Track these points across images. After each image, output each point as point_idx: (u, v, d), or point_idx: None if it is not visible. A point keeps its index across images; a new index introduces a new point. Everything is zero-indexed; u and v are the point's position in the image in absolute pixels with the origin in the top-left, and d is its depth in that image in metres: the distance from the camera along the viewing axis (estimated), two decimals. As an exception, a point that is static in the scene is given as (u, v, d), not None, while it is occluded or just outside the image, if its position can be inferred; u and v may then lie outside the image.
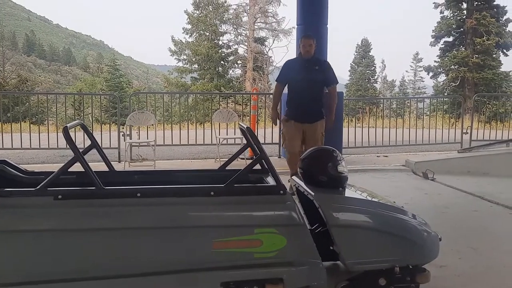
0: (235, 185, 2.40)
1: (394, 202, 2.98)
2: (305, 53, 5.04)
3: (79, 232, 2.24)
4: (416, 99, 20.39)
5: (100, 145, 3.15)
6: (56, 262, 2.21)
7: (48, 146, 8.13)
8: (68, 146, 2.34)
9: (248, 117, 8.89)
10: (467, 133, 9.19)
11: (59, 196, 2.23)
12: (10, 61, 46.99)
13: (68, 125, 2.46)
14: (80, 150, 2.39)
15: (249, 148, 2.89)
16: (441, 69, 34.34)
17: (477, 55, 32.28)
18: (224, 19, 35.33)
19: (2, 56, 41.21)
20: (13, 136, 8.36)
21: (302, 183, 2.80)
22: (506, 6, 32.43)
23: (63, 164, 2.35)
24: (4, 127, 9.32)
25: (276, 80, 5.42)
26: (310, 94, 5.06)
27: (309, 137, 5.07)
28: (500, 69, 32.94)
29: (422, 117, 13.79)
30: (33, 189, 2.25)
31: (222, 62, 35.32)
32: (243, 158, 7.13)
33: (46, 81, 63.01)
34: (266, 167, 2.59)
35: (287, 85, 5.29)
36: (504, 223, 4.54)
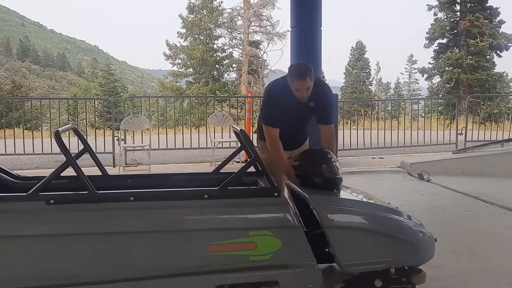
0: (229, 187, 2.39)
1: (389, 203, 2.97)
2: (300, 97, 3.36)
3: (72, 237, 2.22)
4: (411, 101, 20.43)
5: (95, 150, 3.13)
6: (48, 267, 2.19)
7: (42, 152, 8.09)
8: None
9: (243, 121, 8.87)
10: (462, 134, 9.22)
11: (51, 201, 2.22)
12: (4, 67, 46.87)
13: (60, 129, 2.44)
14: (73, 155, 2.37)
15: (244, 151, 2.89)
16: (436, 71, 34.48)
17: (471, 57, 32.43)
18: (219, 23, 35.32)
19: (-4, 62, 41.10)
20: (7, 141, 8.30)
21: (296, 186, 2.79)
22: (499, 8, 32.65)
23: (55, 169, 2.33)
24: (-2, 133, 9.29)
25: (266, 124, 3.55)
26: (297, 130, 3.76)
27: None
28: (494, 70, 33.08)
29: (417, 118, 13.82)
30: (25, 194, 2.23)
31: (217, 65, 35.30)
32: (238, 162, 7.11)
33: (40, 86, 62.83)
34: (260, 169, 2.58)
35: None
36: (500, 223, 4.54)
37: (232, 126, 3.09)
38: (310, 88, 3.32)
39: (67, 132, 2.77)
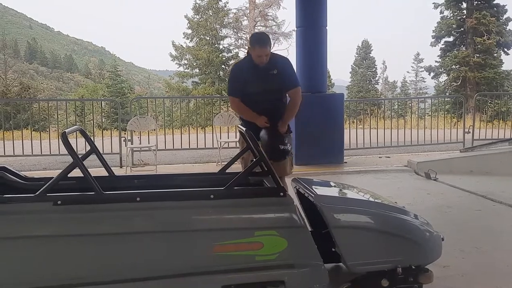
0: (235, 187, 2.39)
1: (395, 202, 2.96)
2: (260, 63, 3.78)
3: (79, 237, 2.23)
4: (417, 100, 20.35)
5: (102, 151, 3.15)
6: (56, 268, 2.20)
7: (50, 153, 8.14)
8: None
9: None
10: (469, 132, 9.17)
11: (59, 202, 2.23)
12: (12, 69, 47.10)
13: (66, 130, 2.45)
14: (80, 156, 2.39)
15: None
16: (442, 69, 34.30)
17: (478, 55, 32.24)
18: (224, 23, 35.40)
19: (4, 64, 41.31)
20: (15, 143, 8.36)
21: (303, 185, 2.78)
22: (506, 5, 32.46)
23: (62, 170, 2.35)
24: (7, 135, 9.35)
25: (230, 94, 3.97)
26: (269, 109, 3.82)
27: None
28: (502, 68, 32.89)
29: (424, 117, 13.75)
30: (33, 195, 2.25)
31: (223, 66, 35.35)
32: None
33: (48, 88, 63.15)
34: (266, 169, 2.58)
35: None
36: (507, 222, 4.52)
37: (238, 126, 3.10)
38: (268, 55, 3.77)
39: (75, 133, 2.79)
